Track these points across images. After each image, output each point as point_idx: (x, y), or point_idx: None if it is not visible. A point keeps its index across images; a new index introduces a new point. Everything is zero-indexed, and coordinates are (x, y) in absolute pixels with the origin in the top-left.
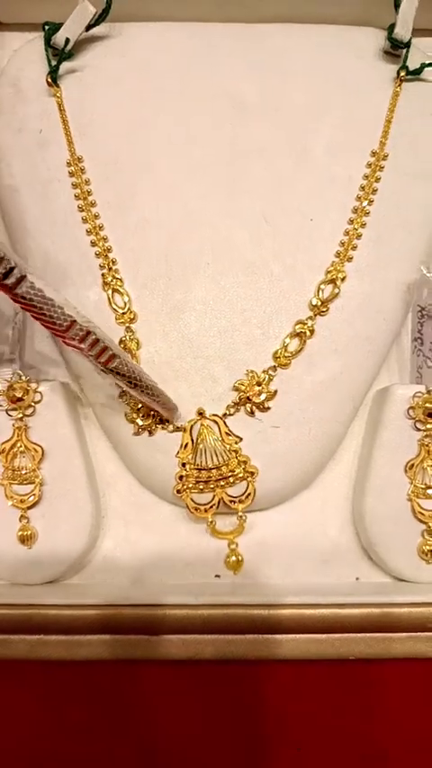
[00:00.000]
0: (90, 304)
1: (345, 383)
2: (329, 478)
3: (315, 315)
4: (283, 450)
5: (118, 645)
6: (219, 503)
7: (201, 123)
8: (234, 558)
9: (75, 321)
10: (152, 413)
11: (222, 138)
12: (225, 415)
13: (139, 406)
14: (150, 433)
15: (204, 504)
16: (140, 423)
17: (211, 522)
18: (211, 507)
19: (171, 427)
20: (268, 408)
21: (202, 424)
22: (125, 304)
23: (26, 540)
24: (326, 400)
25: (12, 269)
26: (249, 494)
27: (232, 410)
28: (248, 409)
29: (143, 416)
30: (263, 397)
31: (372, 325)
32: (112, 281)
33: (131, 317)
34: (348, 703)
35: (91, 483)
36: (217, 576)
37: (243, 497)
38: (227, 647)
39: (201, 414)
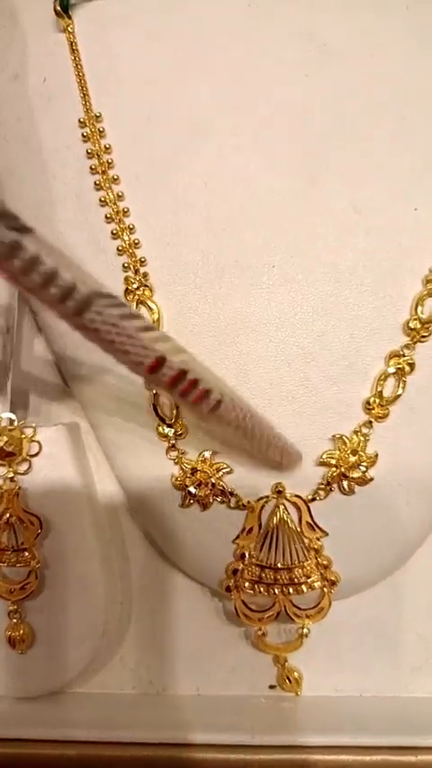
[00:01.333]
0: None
1: None
2: (424, 558)
3: (414, 342)
4: (368, 534)
5: None
6: (278, 613)
7: (269, 73)
8: (289, 679)
9: (163, 358)
10: (210, 480)
11: (297, 95)
12: (313, 499)
13: (196, 465)
14: (204, 507)
15: (259, 611)
16: (193, 491)
17: (261, 633)
18: (269, 617)
19: (233, 501)
20: (370, 480)
21: (277, 506)
22: (155, 323)
23: (17, 642)
24: (429, 461)
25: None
26: (323, 608)
27: (323, 494)
28: (345, 488)
29: (197, 484)
30: (363, 468)
31: None
32: (138, 288)
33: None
34: None
35: (104, 572)
36: (272, 686)
37: (313, 611)
38: None
39: (279, 492)
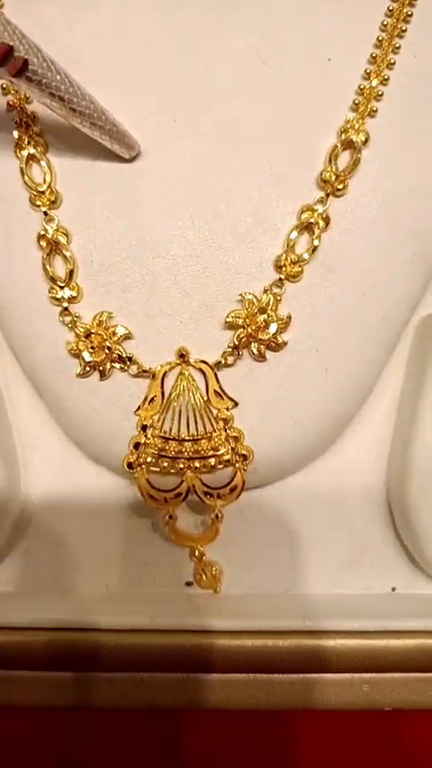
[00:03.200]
0: None
1: (376, 301)
2: (354, 442)
3: (328, 195)
4: (285, 403)
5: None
6: (187, 492)
7: None
8: (206, 574)
9: None
10: (106, 344)
11: None
12: (220, 364)
13: (90, 329)
14: (102, 374)
15: (166, 492)
16: (88, 357)
17: (170, 517)
18: (176, 497)
19: (135, 368)
20: (284, 344)
21: (181, 373)
22: (44, 178)
23: None
24: (349, 326)
25: None
26: (235, 486)
27: (231, 359)
28: (256, 352)
29: (93, 347)
30: (273, 329)
31: (415, 213)
32: (28, 143)
33: (53, 198)
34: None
35: (5, 446)
36: (188, 583)
37: (225, 490)
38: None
39: (183, 356)
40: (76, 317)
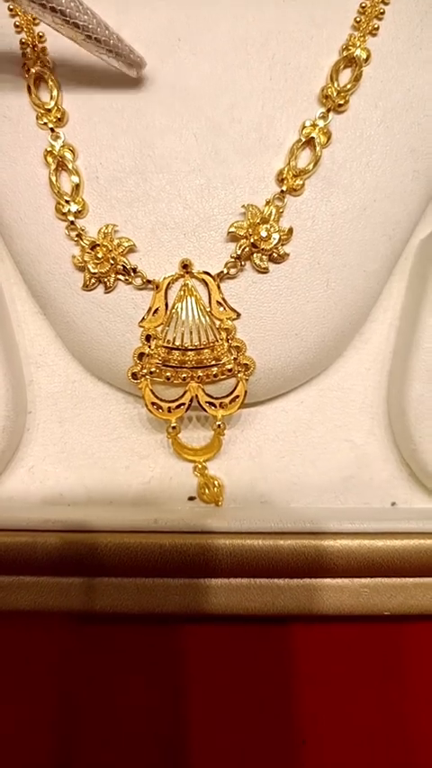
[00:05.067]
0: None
1: (377, 216)
2: (354, 360)
3: (329, 110)
4: (286, 315)
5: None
6: (190, 402)
7: None
8: (208, 488)
9: None
10: (111, 256)
11: None
12: (222, 275)
13: (96, 241)
14: (106, 287)
15: (169, 402)
16: (93, 269)
17: (174, 428)
18: (179, 407)
19: (139, 281)
20: (286, 256)
21: (185, 284)
22: (51, 95)
23: None
24: (350, 241)
25: None
26: (237, 396)
27: (233, 270)
28: (258, 263)
29: (97, 260)
30: (274, 239)
31: (416, 131)
32: (35, 63)
33: (59, 115)
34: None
35: (11, 363)
36: (191, 497)
37: (227, 400)
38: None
39: (185, 267)
40: (82, 230)
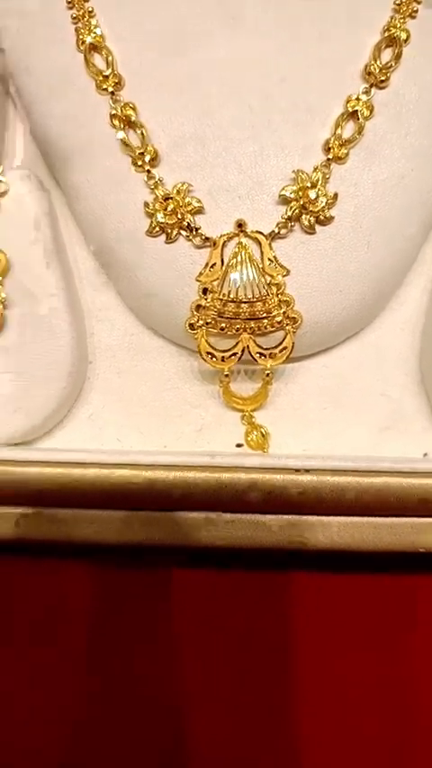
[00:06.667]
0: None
1: (415, 184)
2: (390, 320)
3: (372, 86)
4: (331, 273)
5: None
6: (242, 352)
7: None
8: (255, 434)
9: None
10: (179, 211)
11: None
12: (273, 234)
13: (170, 194)
14: (168, 238)
15: (223, 351)
16: (161, 218)
17: (227, 376)
18: (232, 357)
19: (198, 240)
20: (331, 219)
21: (239, 242)
22: (107, 61)
23: None
24: (389, 206)
25: None
26: (285, 347)
27: (284, 230)
28: (306, 224)
29: (167, 211)
30: (322, 203)
31: None
32: (88, 33)
33: (116, 80)
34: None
35: (75, 315)
36: (239, 444)
37: (277, 350)
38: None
39: (240, 227)
40: (160, 180)
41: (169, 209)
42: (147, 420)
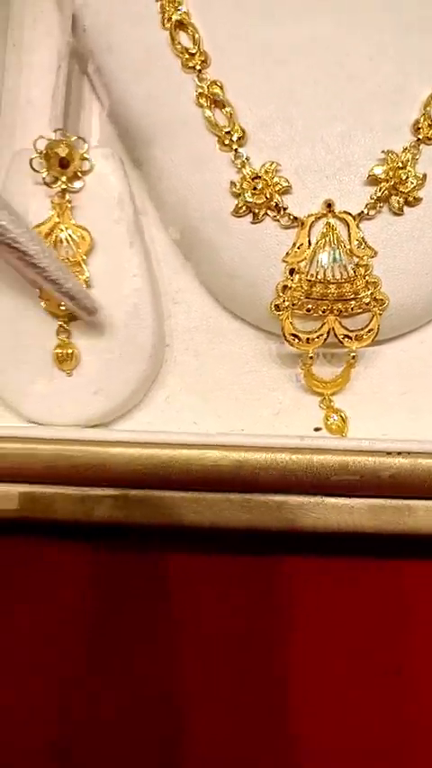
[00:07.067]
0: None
1: None
2: None
3: None
4: (418, 256)
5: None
6: (328, 334)
7: None
8: (334, 417)
9: None
10: (267, 192)
11: None
12: (362, 215)
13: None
14: (255, 218)
15: (308, 333)
16: (249, 198)
17: (311, 358)
18: (317, 338)
19: (285, 220)
20: (420, 200)
21: (327, 223)
22: (194, 39)
23: (64, 360)
24: None
25: None
26: (372, 329)
27: (372, 212)
28: (395, 205)
29: (255, 191)
30: (411, 184)
31: None
32: (173, 11)
33: (203, 58)
34: None
35: (154, 296)
36: (317, 428)
37: (363, 332)
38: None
39: (329, 206)
40: (247, 159)
41: (257, 188)
42: (224, 403)
